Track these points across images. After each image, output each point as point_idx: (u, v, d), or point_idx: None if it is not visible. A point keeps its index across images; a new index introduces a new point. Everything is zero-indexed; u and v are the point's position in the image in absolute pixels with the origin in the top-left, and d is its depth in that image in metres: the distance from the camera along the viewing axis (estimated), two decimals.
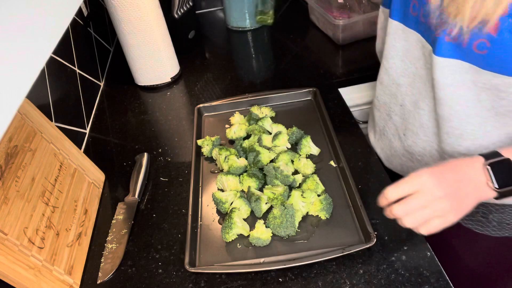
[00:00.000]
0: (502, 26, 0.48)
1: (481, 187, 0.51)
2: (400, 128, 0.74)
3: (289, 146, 0.86)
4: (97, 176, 0.84)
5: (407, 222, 0.53)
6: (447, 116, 0.62)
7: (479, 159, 0.52)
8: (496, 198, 0.52)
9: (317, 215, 0.71)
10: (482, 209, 0.70)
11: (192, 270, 0.64)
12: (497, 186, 0.51)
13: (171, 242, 0.72)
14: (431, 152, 0.69)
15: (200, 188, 0.80)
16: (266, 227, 0.69)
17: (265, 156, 0.81)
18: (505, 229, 0.70)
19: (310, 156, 0.83)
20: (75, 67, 1.04)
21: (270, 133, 0.89)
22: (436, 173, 0.51)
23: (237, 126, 0.90)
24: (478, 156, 0.53)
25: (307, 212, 0.71)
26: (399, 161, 0.78)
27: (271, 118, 0.93)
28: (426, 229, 0.53)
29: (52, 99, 0.88)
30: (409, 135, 0.72)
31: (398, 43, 0.67)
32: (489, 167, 0.51)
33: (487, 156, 0.52)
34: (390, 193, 0.53)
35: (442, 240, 0.77)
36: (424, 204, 0.51)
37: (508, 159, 0.51)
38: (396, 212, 0.53)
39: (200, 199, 0.78)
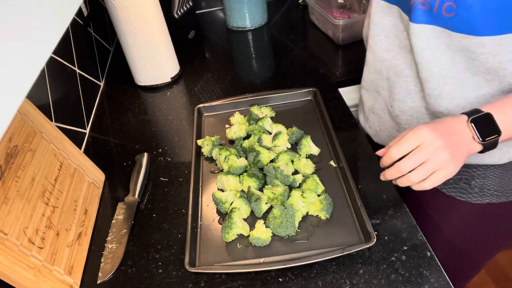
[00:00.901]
0: None
1: (469, 140, 0.56)
2: (388, 100, 0.78)
3: (289, 146, 0.86)
4: (97, 176, 0.84)
5: (414, 177, 0.55)
6: (425, 78, 0.67)
7: (463, 117, 0.56)
8: (481, 152, 0.57)
9: (317, 215, 0.71)
10: (465, 175, 0.73)
11: (192, 270, 0.64)
12: (481, 139, 0.55)
13: (171, 242, 0.72)
14: (418, 117, 0.73)
15: (200, 188, 0.80)
16: (266, 227, 0.69)
17: (265, 156, 0.81)
18: (486, 195, 0.73)
19: (310, 156, 0.83)
20: (75, 67, 1.04)
21: (270, 133, 0.89)
22: (432, 126, 0.55)
23: (237, 126, 0.90)
24: (461, 114, 0.57)
25: (307, 212, 0.71)
26: (387, 133, 0.81)
27: (271, 118, 0.93)
28: (431, 183, 0.56)
29: (52, 99, 0.88)
30: (396, 106, 0.75)
31: (384, 20, 0.71)
32: (472, 124, 0.55)
33: (469, 113, 0.56)
34: (394, 152, 0.56)
35: (424, 209, 0.81)
36: (428, 157, 0.54)
37: (488, 113, 0.55)
38: (404, 168, 0.55)
39: (200, 199, 0.78)
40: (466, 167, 0.73)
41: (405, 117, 0.75)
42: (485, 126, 0.55)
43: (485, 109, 0.56)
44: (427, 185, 0.56)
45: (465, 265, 0.89)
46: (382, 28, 0.72)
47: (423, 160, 0.54)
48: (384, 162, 0.59)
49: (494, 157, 0.68)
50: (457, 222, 0.80)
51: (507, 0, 0.52)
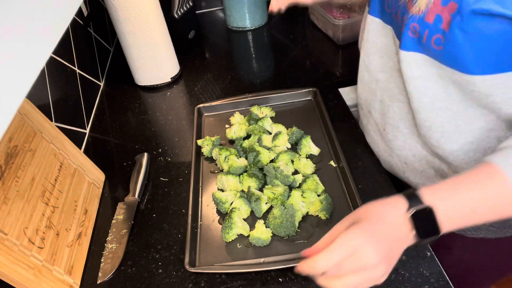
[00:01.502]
0: (452, 22, 0.50)
1: (406, 236, 0.48)
2: (380, 124, 0.75)
3: (289, 146, 0.86)
4: (97, 176, 0.84)
5: (339, 286, 0.46)
6: (416, 108, 0.63)
7: (401, 205, 0.48)
8: (416, 245, 0.49)
9: (317, 215, 0.71)
10: None
11: (192, 270, 0.64)
12: (419, 239, 0.48)
13: (171, 242, 0.72)
14: (411, 145, 0.70)
15: (200, 188, 0.80)
16: (266, 227, 0.69)
17: (265, 156, 0.81)
18: (481, 230, 0.71)
19: (310, 156, 0.83)
20: (75, 67, 1.04)
21: (270, 133, 0.89)
22: (368, 234, 0.46)
23: (237, 126, 0.90)
24: (401, 197, 0.48)
25: (307, 212, 0.71)
26: (382, 157, 0.79)
27: (271, 118, 0.93)
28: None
29: (52, 99, 0.88)
30: (389, 130, 0.73)
31: (378, 39, 0.68)
32: (411, 218, 0.47)
33: (409, 199, 0.48)
34: (321, 263, 0.46)
35: None
36: (359, 269, 0.45)
37: (429, 209, 0.46)
38: (330, 283, 0.47)
39: (200, 199, 0.78)
40: None
41: (398, 143, 0.71)
42: (426, 223, 0.47)
43: (428, 195, 0.47)
44: None
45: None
46: (376, 47, 0.69)
47: (352, 272, 0.45)
48: (304, 269, 0.48)
49: None
50: (457, 251, 0.77)
51: (496, 40, 0.49)
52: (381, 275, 0.46)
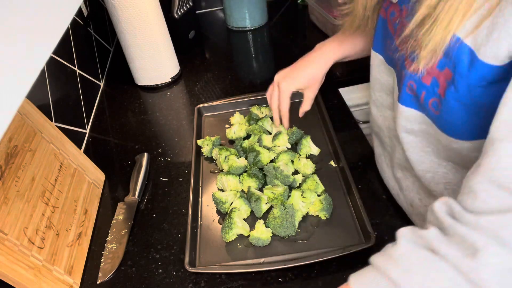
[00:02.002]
0: (448, 91, 0.47)
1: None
2: (390, 159, 0.71)
3: (289, 146, 0.86)
4: (97, 176, 0.84)
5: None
6: (417, 159, 0.59)
7: None
8: None
9: (317, 215, 0.71)
10: None
11: (192, 270, 0.64)
12: None
13: (171, 242, 0.72)
14: (418, 188, 0.65)
15: (200, 188, 0.80)
16: (266, 227, 0.69)
17: (265, 156, 0.80)
18: None
19: (310, 156, 0.83)
20: (75, 67, 1.04)
21: (270, 133, 0.89)
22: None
23: (237, 126, 0.90)
24: None
25: (307, 212, 0.71)
26: (392, 192, 0.73)
27: (271, 118, 0.93)
28: None
29: (52, 99, 0.88)
30: (398, 168, 0.68)
31: (382, 78, 0.64)
32: None
33: None
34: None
35: None
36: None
37: None
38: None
39: (200, 199, 0.78)
40: None
41: (407, 183, 0.67)
42: None
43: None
44: None
45: None
46: (380, 84, 0.65)
47: None
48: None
49: None
50: None
51: (494, 104, 0.41)
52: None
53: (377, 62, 0.64)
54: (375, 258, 0.45)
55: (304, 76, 0.77)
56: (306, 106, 0.81)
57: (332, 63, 0.78)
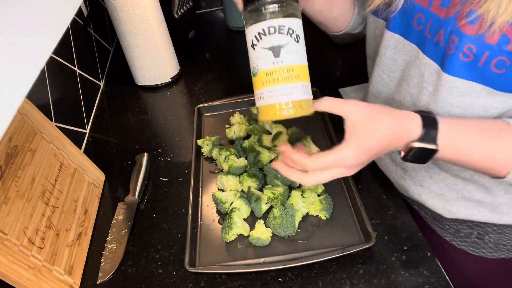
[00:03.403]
0: None
1: (392, 151, 0.53)
2: None
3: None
4: (97, 176, 0.84)
5: (307, 182, 0.53)
6: None
7: (411, 135, 0.50)
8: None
9: (317, 215, 0.71)
10: (478, 229, 0.67)
11: (192, 270, 0.64)
12: (402, 159, 0.52)
13: (171, 242, 0.72)
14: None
15: (200, 188, 0.80)
16: (266, 227, 0.69)
17: (265, 156, 0.81)
18: (502, 251, 0.67)
19: None
20: (75, 67, 1.04)
21: (270, 133, 0.89)
22: (361, 153, 0.50)
23: (237, 126, 0.90)
24: (415, 125, 0.50)
25: (307, 212, 0.71)
26: (394, 179, 0.73)
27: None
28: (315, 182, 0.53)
29: (52, 99, 0.88)
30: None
31: (398, 57, 0.63)
32: (411, 148, 0.50)
33: (425, 129, 0.50)
34: (312, 164, 0.51)
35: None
36: (335, 176, 0.52)
37: (430, 151, 0.50)
38: (308, 181, 0.52)
39: (200, 199, 0.78)
40: (479, 225, 0.66)
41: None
42: (420, 157, 0.51)
43: (444, 138, 0.49)
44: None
45: None
46: (396, 65, 0.63)
47: (328, 178, 0.52)
48: (287, 160, 0.53)
49: None
50: (470, 274, 0.74)
51: None
52: (348, 173, 0.52)
53: (393, 42, 0.62)
54: None
55: None
56: None
57: None
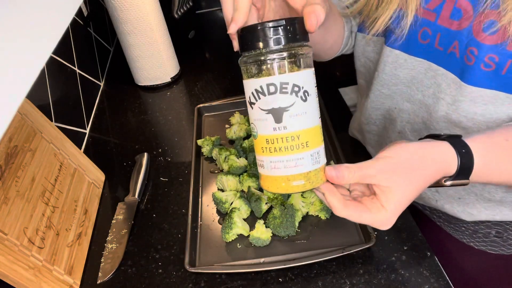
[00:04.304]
0: None
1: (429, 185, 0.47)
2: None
3: None
4: (97, 176, 0.84)
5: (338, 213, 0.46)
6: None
7: (450, 169, 0.46)
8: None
9: (317, 215, 0.71)
10: (497, 228, 0.67)
11: (192, 270, 0.64)
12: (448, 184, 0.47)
13: (171, 242, 0.72)
14: None
15: (200, 188, 0.80)
16: (266, 227, 0.69)
17: None
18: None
19: None
20: (75, 67, 1.04)
21: None
22: (398, 213, 0.45)
23: (237, 126, 0.90)
24: (454, 157, 0.46)
25: (307, 212, 0.71)
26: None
27: None
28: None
29: (52, 99, 0.88)
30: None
31: (400, 72, 0.62)
32: (447, 184, 0.47)
33: (455, 174, 0.46)
34: (341, 212, 0.45)
35: (452, 262, 0.74)
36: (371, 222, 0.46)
37: (466, 182, 0.47)
38: (341, 213, 0.45)
39: (200, 199, 0.78)
40: (497, 224, 0.66)
41: None
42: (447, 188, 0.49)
43: (479, 167, 0.46)
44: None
45: None
46: (398, 79, 0.63)
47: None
48: (335, 179, 0.44)
49: None
50: (488, 273, 0.74)
51: None
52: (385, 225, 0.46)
53: (392, 58, 0.61)
54: None
55: None
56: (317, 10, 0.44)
57: None
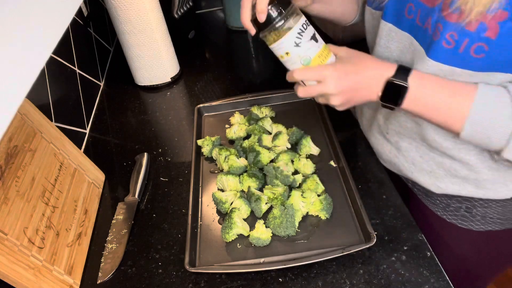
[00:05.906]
0: (501, 30, 0.49)
1: (371, 94, 0.59)
2: (383, 127, 0.74)
3: (289, 146, 0.86)
4: (97, 176, 0.84)
5: (300, 93, 0.63)
6: None
7: (388, 73, 0.57)
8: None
9: (317, 215, 0.71)
10: (466, 203, 0.71)
11: (192, 270, 0.64)
12: (380, 100, 0.59)
13: (171, 242, 0.72)
14: (417, 147, 0.69)
15: (200, 188, 0.80)
16: (266, 227, 0.69)
17: (265, 156, 0.81)
18: (489, 223, 0.71)
19: (310, 156, 0.83)
20: (75, 67, 1.04)
21: (270, 133, 0.89)
22: (340, 72, 0.58)
23: (237, 126, 0.90)
24: (393, 66, 0.57)
25: (307, 212, 0.71)
26: (387, 157, 0.77)
27: (271, 118, 0.93)
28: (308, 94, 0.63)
29: (52, 99, 0.88)
30: (392, 134, 0.72)
31: (392, 45, 0.67)
32: (387, 84, 0.57)
33: (398, 71, 0.57)
34: (297, 75, 0.61)
35: (425, 236, 0.78)
36: (321, 94, 0.61)
37: (405, 88, 0.56)
38: (298, 92, 0.63)
39: (200, 199, 0.78)
40: (467, 200, 0.70)
41: (404, 144, 0.71)
42: (393, 94, 0.57)
43: (415, 80, 0.56)
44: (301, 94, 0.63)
45: (468, 284, 0.85)
46: (390, 52, 0.68)
47: (315, 94, 0.61)
48: (288, 77, 0.64)
49: (499, 192, 0.66)
50: (459, 248, 0.78)
51: None
52: (336, 103, 0.61)
53: (386, 31, 0.67)
54: None
55: None
56: None
57: None
